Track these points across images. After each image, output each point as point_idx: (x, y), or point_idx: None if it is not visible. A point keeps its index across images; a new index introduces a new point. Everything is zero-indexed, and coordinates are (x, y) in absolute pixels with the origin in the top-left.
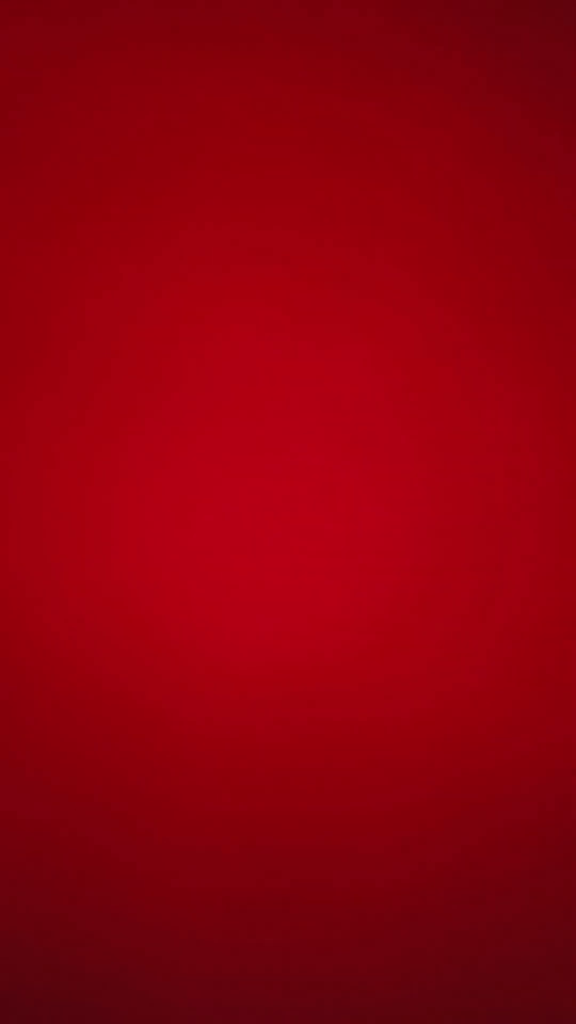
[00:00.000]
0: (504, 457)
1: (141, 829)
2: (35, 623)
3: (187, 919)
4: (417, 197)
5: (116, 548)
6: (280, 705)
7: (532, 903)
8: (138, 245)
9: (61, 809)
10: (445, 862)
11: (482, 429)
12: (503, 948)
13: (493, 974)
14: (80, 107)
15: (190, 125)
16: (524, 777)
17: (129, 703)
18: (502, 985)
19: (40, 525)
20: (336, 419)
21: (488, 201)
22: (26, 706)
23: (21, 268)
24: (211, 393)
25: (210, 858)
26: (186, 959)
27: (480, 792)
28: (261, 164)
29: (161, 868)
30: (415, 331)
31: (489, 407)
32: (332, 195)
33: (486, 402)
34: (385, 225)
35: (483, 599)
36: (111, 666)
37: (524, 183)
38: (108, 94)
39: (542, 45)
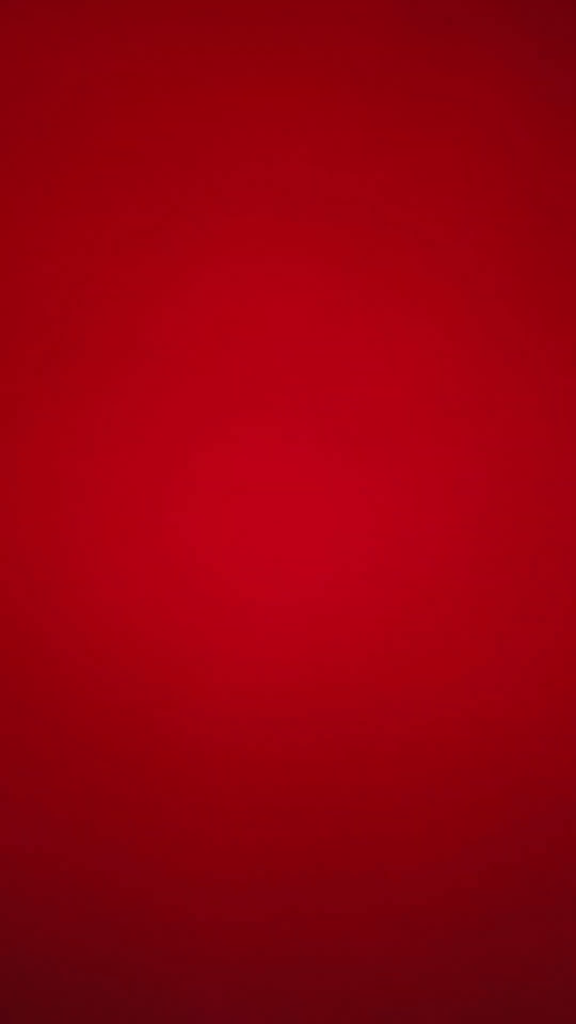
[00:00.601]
0: (511, 453)
1: (142, 847)
2: (39, 640)
3: (191, 939)
4: (423, 188)
5: (116, 560)
6: (286, 722)
7: (548, 922)
8: (142, 237)
9: (58, 827)
10: (455, 885)
11: (488, 425)
12: (512, 960)
13: (502, 998)
14: (83, 95)
15: (197, 115)
16: (538, 798)
17: (131, 721)
18: (510, 990)
19: (35, 537)
20: (346, 425)
21: (496, 193)
22: (27, 723)
23: (25, 265)
24: (212, 390)
25: (213, 876)
26: (189, 978)
27: (493, 813)
28: (266, 160)
29: (165, 888)
30: (419, 325)
31: (495, 400)
32: (338, 187)
33: (491, 395)
34: (391, 217)
35: (496, 614)
36: (111, 681)
37: (532, 174)
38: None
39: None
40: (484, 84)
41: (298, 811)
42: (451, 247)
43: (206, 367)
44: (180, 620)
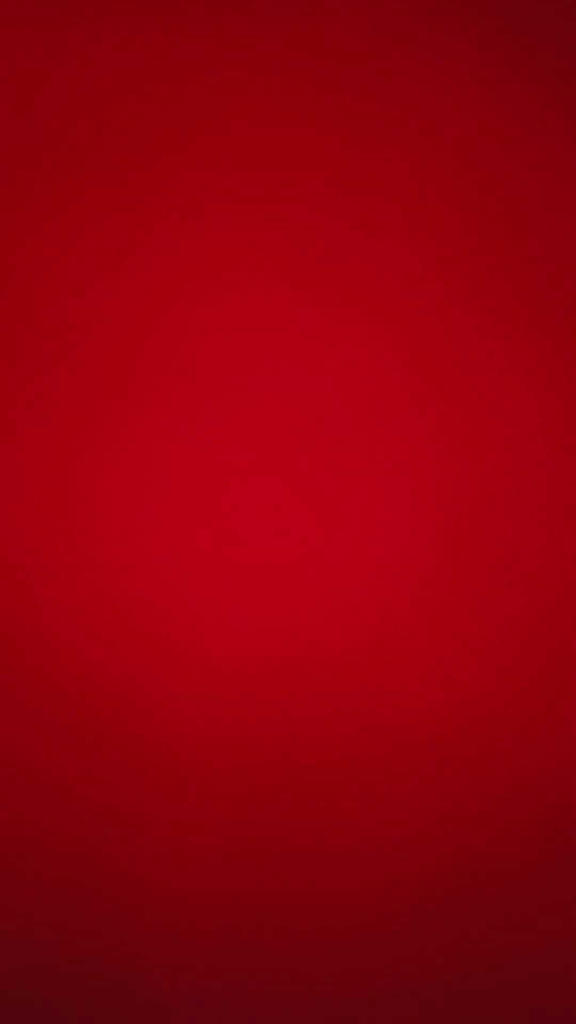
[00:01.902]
0: (510, 448)
1: (139, 828)
2: (34, 624)
3: (187, 917)
4: (418, 181)
5: (115, 546)
6: (280, 703)
7: (532, 901)
8: (136, 232)
9: (58, 809)
10: (446, 860)
11: (488, 417)
12: (503, 945)
13: (493, 971)
14: (80, 99)
15: (191, 113)
16: (526, 775)
17: (128, 702)
18: (502, 983)
19: (35, 525)
20: (339, 411)
21: (490, 183)
22: (23, 706)
23: (18, 262)
24: (210, 383)
25: (209, 856)
26: (185, 958)
27: (482, 790)
28: (261, 156)
29: (160, 866)
30: (417, 318)
31: (495, 393)
32: (333, 181)
33: (491, 389)
34: (386, 210)
35: (486, 595)
36: (109, 665)
37: (527, 164)
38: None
39: (542, 35)
40: (482, 68)
41: (290, 787)
42: (453, 230)
43: (204, 355)
44: (178, 618)
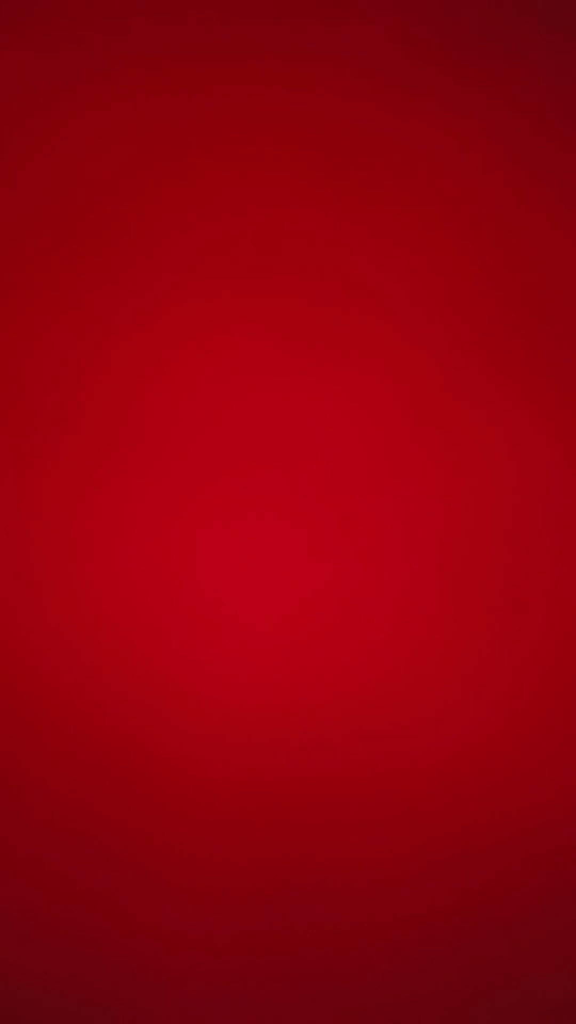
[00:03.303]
0: (514, 489)
1: (136, 868)
2: (31, 661)
3: (185, 957)
4: (418, 215)
5: (114, 586)
6: (282, 745)
7: (534, 941)
8: (134, 265)
9: (53, 846)
10: (447, 901)
11: (491, 458)
12: (506, 983)
13: (497, 1009)
14: (81, 124)
15: (190, 144)
16: (530, 819)
17: (126, 742)
18: (507, 1021)
19: (29, 553)
20: (340, 454)
21: (490, 217)
22: (19, 743)
23: (12, 298)
24: (208, 425)
25: (209, 897)
26: (183, 999)
27: (484, 833)
28: (260, 184)
29: (157, 907)
30: (416, 353)
31: (497, 433)
32: (332, 214)
33: (494, 429)
34: (385, 244)
35: (493, 639)
36: (109, 706)
37: (526, 198)
38: (109, 112)
39: (544, 58)
40: (482, 100)
41: (291, 828)
42: (453, 265)
43: (200, 391)
44: (179, 660)
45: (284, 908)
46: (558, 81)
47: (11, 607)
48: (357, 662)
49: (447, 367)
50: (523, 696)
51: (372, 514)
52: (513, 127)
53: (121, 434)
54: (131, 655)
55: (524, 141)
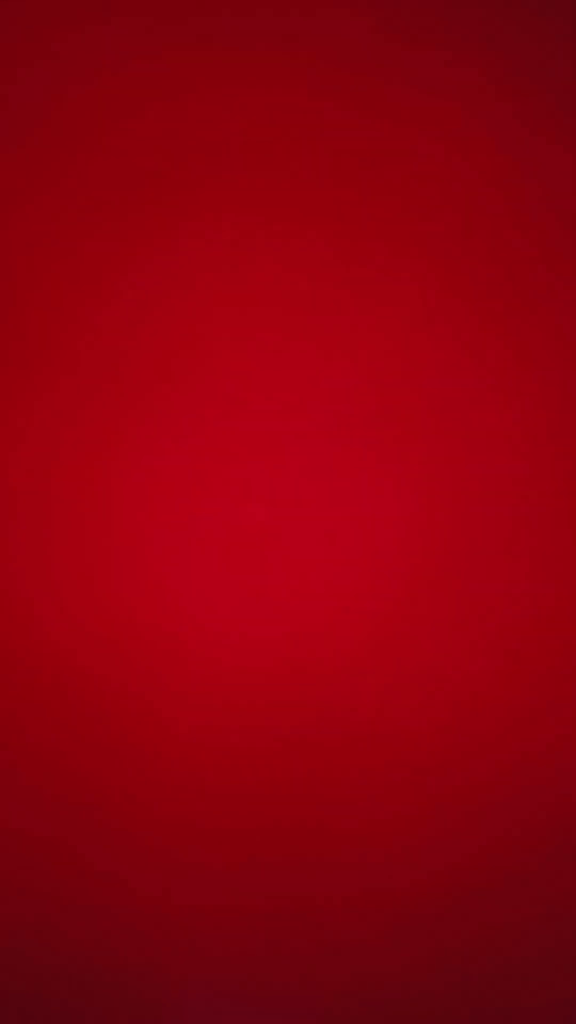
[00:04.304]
0: (509, 456)
1: (139, 837)
2: (32, 624)
3: (185, 928)
4: (418, 195)
5: (115, 549)
6: (281, 710)
7: (535, 907)
8: (140, 247)
9: (58, 816)
10: (447, 868)
11: (487, 427)
12: (506, 953)
13: (496, 979)
14: (82, 112)
15: (192, 133)
16: (527, 780)
17: (128, 707)
18: (505, 990)
19: (40, 529)
20: (338, 420)
21: (489, 199)
22: (23, 711)
23: (25, 273)
24: (211, 393)
25: (209, 867)
26: (184, 972)
27: (483, 796)
28: (261, 171)
29: (159, 877)
30: (417, 329)
31: (494, 405)
32: (332, 197)
33: (491, 399)
34: (386, 224)
35: (485, 601)
36: (109, 670)
37: (525, 180)
38: (108, 108)
39: (542, 50)
40: (481, 89)
41: (291, 799)
42: (453, 245)
43: (207, 369)
44: (179, 625)
45: (288, 879)
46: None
47: (19, 576)
48: (354, 627)
49: (448, 346)
50: (521, 656)
51: (369, 479)
52: (511, 109)
53: (129, 404)
54: (134, 623)
55: (522, 122)
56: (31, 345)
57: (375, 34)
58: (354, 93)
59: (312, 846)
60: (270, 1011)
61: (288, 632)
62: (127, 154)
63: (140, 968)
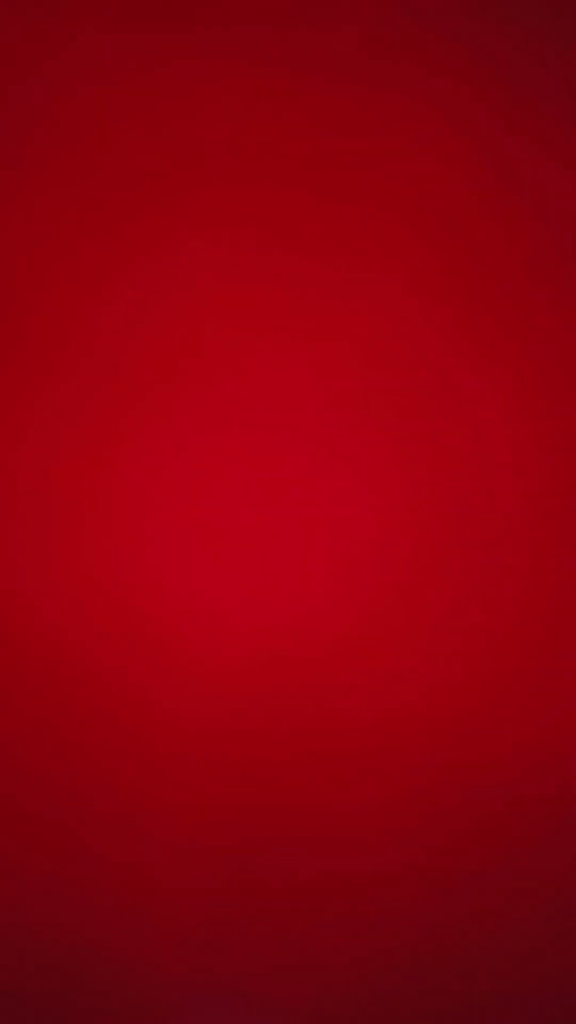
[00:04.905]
0: (498, 445)
1: (132, 820)
2: (33, 616)
3: (177, 910)
4: (412, 207)
5: (111, 536)
6: (272, 694)
7: (529, 891)
8: (140, 251)
9: (52, 799)
10: (439, 851)
11: (485, 423)
12: (500, 935)
13: (490, 961)
14: (82, 109)
15: (191, 137)
16: (518, 764)
17: (120, 691)
18: (498, 973)
19: (41, 522)
20: (337, 415)
21: (484, 211)
22: (17, 694)
23: (26, 274)
24: (208, 389)
25: (201, 849)
26: (176, 953)
27: (474, 779)
28: (259, 178)
29: (151, 859)
30: (417, 329)
31: (492, 403)
32: (329, 206)
33: (489, 398)
34: (380, 235)
35: (476, 587)
36: (103, 655)
37: (520, 193)
38: (109, 112)
39: (540, 60)
40: (477, 102)
41: (283, 780)
42: (446, 256)
43: (204, 366)
44: (172, 610)
45: (272, 860)
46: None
47: (18, 563)
48: (343, 610)
49: (440, 347)
50: (504, 641)
51: (362, 474)
52: (506, 124)
53: (126, 396)
54: (134, 615)
55: (519, 136)
56: (32, 343)
57: (371, 43)
58: (351, 98)
59: (308, 829)
60: (261, 994)
61: (286, 620)
62: (130, 155)
63: (133, 951)
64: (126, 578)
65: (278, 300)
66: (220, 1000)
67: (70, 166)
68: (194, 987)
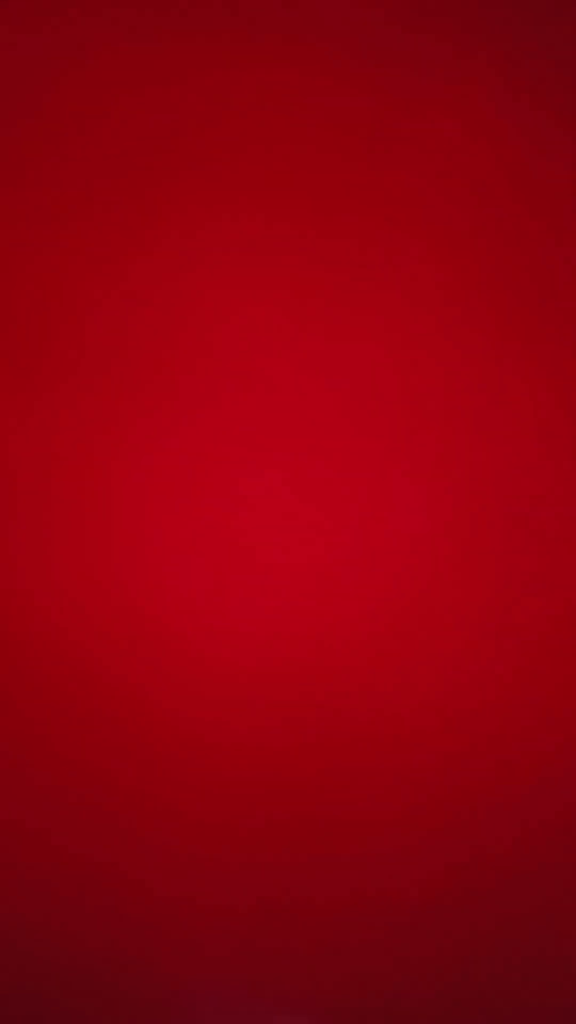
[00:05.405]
0: (520, 453)
1: (139, 832)
2: (33, 617)
3: (186, 924)
4: (427, 183)
5: (117, 543)
6: (273, 695)
7: (537, 907)
8: (140, 251)
9: (56, 812)
10: (450, 866)
11: (498, 421)
12: (508, 952)
13: (497, 978)
14: (79, 99)
15: (193, 117)
16: (531, 779)
17: (120, 692)
18: (505, 989)
19: (40, 520)
20: (345, 412)
21: (501, 188)
22: (23, 702)
23: (24, 262)
24: (215, 384)
25: (209, 861)
26: (188, 967)
27: (485, 794)
28: (267, 155)
29: (159, 872)
30: (427, 321)
31: (506, 399)
32: (340, 182)
33: (502, 394)
34: (395, 212)
35: (493, 600)
36: (103, 655)
37: (538, 170)
38: (107, 87)
39: (551, 33)
40: (489, 73)
41: (296, 795)
42: (463, 233)
43: (211, 358)
44: (181, 618)
45: (281, 874)
46: (562, 49)
47: (18, 563)
48: (360, 622)
49: (459, 336)
50: (520, 656)
51: (376, 474)
52: (520, 95)
53: (130, 395)
54: (135, 617)
55: (533, 109)
56: (32, 343)
57: (379, 21)
58: (356, 78)
59: (313, 841)
60: (269, 1009)
61: (286, 621)
62: (128, 141)
63: (138, 962)
64: (126, 578)
65: (281, 300)
66: (229, 1014)
67: (68, 154)
68: (201, 1000)
